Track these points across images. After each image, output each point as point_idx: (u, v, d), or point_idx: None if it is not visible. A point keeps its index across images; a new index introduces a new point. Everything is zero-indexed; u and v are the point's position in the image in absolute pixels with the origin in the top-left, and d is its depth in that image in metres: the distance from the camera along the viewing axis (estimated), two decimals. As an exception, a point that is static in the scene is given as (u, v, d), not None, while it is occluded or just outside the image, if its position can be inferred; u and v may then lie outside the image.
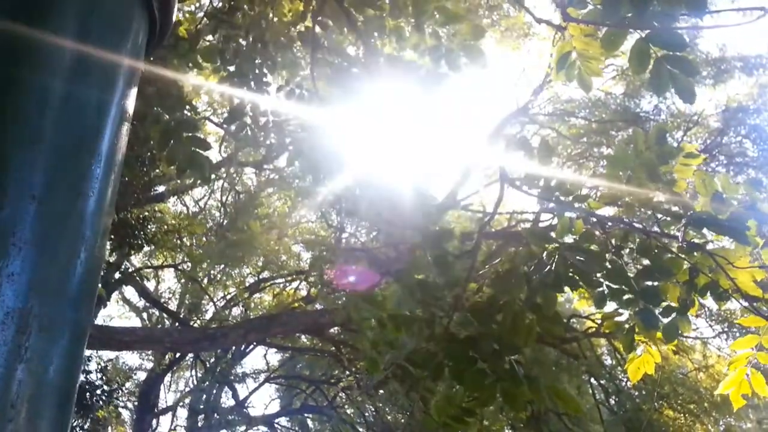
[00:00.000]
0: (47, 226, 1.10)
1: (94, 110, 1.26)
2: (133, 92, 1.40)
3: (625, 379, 14.86)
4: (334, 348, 13.88)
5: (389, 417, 14.27)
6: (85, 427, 8.71)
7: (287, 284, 17.17)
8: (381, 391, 13.37)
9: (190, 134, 3.37)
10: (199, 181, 14.62)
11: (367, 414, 15.41)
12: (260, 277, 16.55)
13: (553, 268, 2.40)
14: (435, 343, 2.97)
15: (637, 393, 14.65)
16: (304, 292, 16.30)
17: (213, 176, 14.72)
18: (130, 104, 1.38)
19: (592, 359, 13.82)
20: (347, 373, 14.29)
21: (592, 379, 14.44)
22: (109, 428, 18.92)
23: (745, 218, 2.20)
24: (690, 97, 2.02)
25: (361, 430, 15.65)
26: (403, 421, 12.37)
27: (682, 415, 14.14)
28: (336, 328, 12.86)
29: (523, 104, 15.03)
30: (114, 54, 1.33)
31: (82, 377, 7.11)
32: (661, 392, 14.02)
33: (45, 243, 1.09)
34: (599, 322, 13.12)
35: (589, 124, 15.76)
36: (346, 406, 15.91)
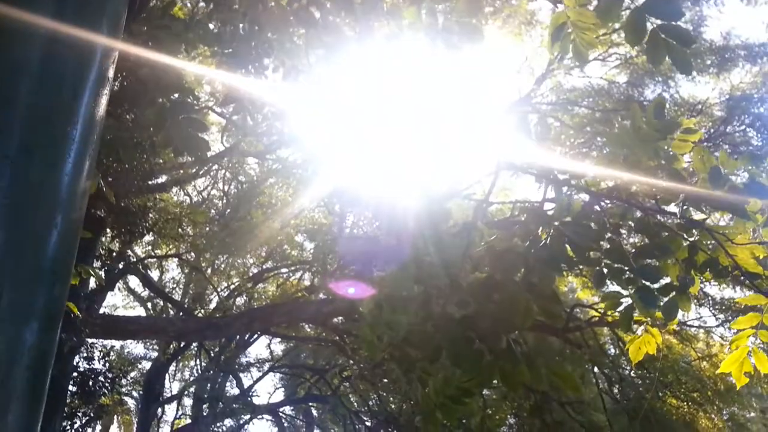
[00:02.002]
0: (22, 187, 1.09)
1: (71, 76, 1.26)
2: (113, 58, 1.38)
3: (628, 368, 14.85)
4: (337, 337, 13.91)
5: (392, 405, 14.31)
6: (90, 413, 8.78)
7: (291, 274, 17.20)
8: (385, 380, 13.40)
9: (185, 116, 3.34)
10: (201, 171, 14.64)
11: (371, 403, 15.46)
12: (264, 267, 16.58)
13: (548, 242, 2.38)
14: (432, 324, 2.95)
15: (640, 382, 14.65)
16: (307, 282, 16.34)
17: (215, 166, 14.73)
18: (110, 71, 1.37)
19: (595, 348, 13.79)
20: (350, 362, 14.32)
21: (596, 368, 14.42)
22: (115, 417, 19.05)
23: (743, 193, 2.17)
24: (686, 67, 1.99)
25: (365, 418, 15.70)
26: (404, 407, 12.39)
27: (685, 403, 14.13)
28: (339, 317, 12.89)
29: (525, 93, 14.95)
30: (92, 20, 1.31)
31: (85, 365, 7.13)
32: (665, 381, 14.00)
33: (20, 204, 1.07)
34: (602, 311, 13.11)
35: (592, 114, 15.69)
36: (350, 395, 15.98)
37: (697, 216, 2.51)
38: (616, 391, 14.44)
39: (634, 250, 2.75)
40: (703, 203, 2.31)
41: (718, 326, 14.26)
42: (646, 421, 13.12)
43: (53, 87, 1.22)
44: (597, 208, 2.78)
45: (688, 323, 14.50)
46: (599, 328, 13.99)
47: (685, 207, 2.42)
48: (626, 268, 2.68)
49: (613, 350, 15.23)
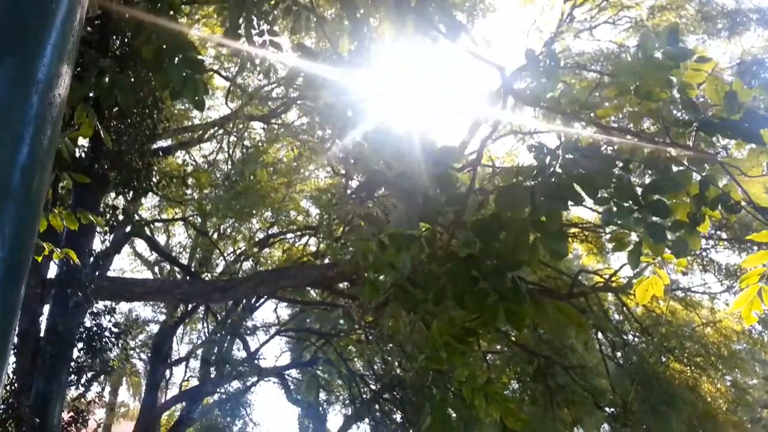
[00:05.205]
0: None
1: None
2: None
3: (631, 334, 14.90)
4: (342, 302, 13.98)
5: (398, 370, 14.45)
6: (96, 368, 8.94)
7: (297, 240, 17.24)
8: (390, 345, 13.49)
9: (183, 56, 3.26)
10: (206, 135, 14.55)
11: (375, 367, 15.63)
12: (270, 232, 16.60)
13: (556, 171, 2.32)
14: (436, 264, 2.91)
15: (644, 347, 14.71)
16: (313, 248, 16.36)
17: (220, 131, 14.63)
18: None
19: (599, 314, 13.83)
20: (356, 326, 14.42)
21: (599, 334, 14.48)
22: (124, 378, 19.37)
23: (759, 118, 2.10)
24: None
25: (370, 382, 15.90)
26: (410, 373, 12.50)
27: (688, 368, 14.20)
28: (345, 283, 12.93)
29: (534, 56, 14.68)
30: None
31: (90, 322, 7.13)
32: (668, 346, 14.06)
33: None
34: (606, 277, 13.12)
35: (601, 78, 15.43)
36: (356, 359, 16.14)
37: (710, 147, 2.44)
38: (619, 355, 14.51)
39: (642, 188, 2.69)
40: (716, 131, 2.23)
41: (722, 292, 14.21)
42: (648, 386, 13.23)
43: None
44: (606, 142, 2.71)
45: (693, 289, 14.50)
46: (603, 294, 14.01)
47: (697, 136, 2.35)
48: (635, 206, 2.62)
49: (616, 316, 15.27)
